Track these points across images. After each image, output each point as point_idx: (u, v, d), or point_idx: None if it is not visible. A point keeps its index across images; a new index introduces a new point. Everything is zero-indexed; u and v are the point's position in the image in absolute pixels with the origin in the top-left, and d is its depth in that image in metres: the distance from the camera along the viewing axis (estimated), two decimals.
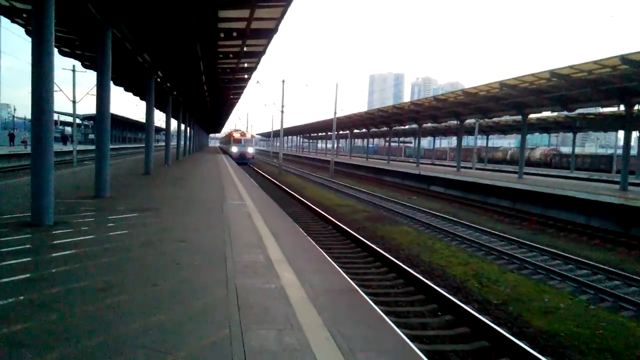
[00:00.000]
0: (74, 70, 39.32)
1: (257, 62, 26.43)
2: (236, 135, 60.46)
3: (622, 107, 25.92)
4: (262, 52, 23.29)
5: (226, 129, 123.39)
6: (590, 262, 13.79)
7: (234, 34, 19.25)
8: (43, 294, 5.58)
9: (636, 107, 25.30)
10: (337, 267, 7.86)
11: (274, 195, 23.13)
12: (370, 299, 6.79)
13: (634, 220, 18.97)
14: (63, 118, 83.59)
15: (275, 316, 5.20)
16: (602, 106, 29.80)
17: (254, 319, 5.07)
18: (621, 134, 34.46)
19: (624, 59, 18.19)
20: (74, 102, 40.13)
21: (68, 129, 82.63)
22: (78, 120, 49.97)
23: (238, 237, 9.43)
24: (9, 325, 4.67)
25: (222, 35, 19.32)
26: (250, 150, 60.32)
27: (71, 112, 43.80)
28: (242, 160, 55.70)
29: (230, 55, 23.87)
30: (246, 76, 32.00)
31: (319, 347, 4.45)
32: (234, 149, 59.08)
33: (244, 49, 22.09)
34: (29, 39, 10.84)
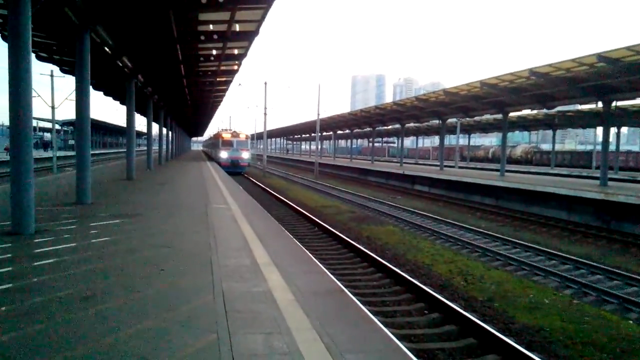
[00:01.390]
0: (52, 76, 38.73)
1: (239, 65, 26.31)
2: (226, 136, 47.61)
3: (600, 104, 26.34)
4: (244, 55, 23.20)
5: (209, 131, 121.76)
6: (573, 257, 13.99)
7: (215, 36, 19.14)
8: (25, 304, 5.47)
9: (613, 104, 25.76)
10: (323, 268, 7.85)
11: (258, 198, 23.03)
12: (357, 299, 6.78)
13: (614, 215, 19.30)
14: (42, 124, 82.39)
15: (263, 320, 5.17)
16: (581, 103, 30.34)
17: (241, 323, 5.03)
18: (600, 130, 35.04)
19: (600, 57, 18.51)
20: (52, 107, 39.52)
21: (47, 135, 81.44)
22: (57, 126, 49.27)
23: (223, 241, 9.37)
24: None
25: (202, 38, 19.21)
26: (246, 155, 47.65)
27: (50, 117, 43.16)
28: (234, 170, 43.72)
29: (212, 58, 23.74)
30: (228, 79, 31.87)
31: (308, 350, 4.43)
32: (223, 155, 46.37)
33: (225, 51, 21.98)
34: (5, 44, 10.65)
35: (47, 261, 7.44)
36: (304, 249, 9.38)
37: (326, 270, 7.73)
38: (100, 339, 4.55)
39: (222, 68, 26.74)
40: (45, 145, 68.74)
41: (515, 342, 7.27)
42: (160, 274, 6.85)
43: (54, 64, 24.87)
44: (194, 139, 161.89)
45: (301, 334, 4.79)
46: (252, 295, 5.97)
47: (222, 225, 11.13)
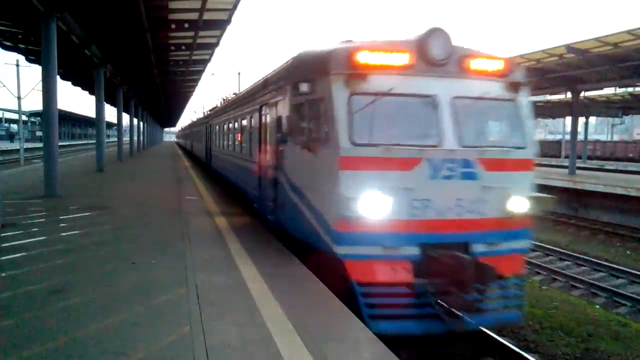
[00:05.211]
0: (17, 65, 37.64)
1: (211, 54, 26.04)
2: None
3: (569, 95, 26.89)
4: (216, 44, 22.95)
5: (182, 122, 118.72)
6: (542, 245, 14.33)
7: (186, 25, 18.88)
8: None
9: (582, 95, 26.34)
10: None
11: (234, 191, 22.83)
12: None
13: (581, 203, 19.81)
14: (8, 115, 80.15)
15: (237, 310, 5.14)
16: (551, 94, 30.92)
17: (214, 315, 5.00)
18: (569, 120, 35.84)
19: (569, 47, 18.86)
20: (19, 98, 38.47)
21: (14, 127, 79.26)
22: (24, 117, 47.98)
23: (196, 232, 9.28)
24: None
25: (173, 26, 18.92)
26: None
27: (17, 108, 42.03)
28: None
29: (183, 47, 23.41)
30: (200, 68, 31.48)
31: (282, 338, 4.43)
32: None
33: (196, 40, 21.72)
34: None
35: (15, 255, 7.28)
36: (275, 239, 9.25)
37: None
38: (70, 333, 4.47)
39: (194, 57, 26.41)
40: (12, 136, 66.90)
41: (487, 329, 7.41)
42: (131, 267, 6.76)
43: (19, 53, 24.19)
44: (167, 129, 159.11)
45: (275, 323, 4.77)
46: (226, 287, 5.94)
47: (195, 217, 11.00)
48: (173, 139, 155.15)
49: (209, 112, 28.56)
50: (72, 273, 6.42)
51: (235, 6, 16.95)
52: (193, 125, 46.51)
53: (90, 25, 17.94)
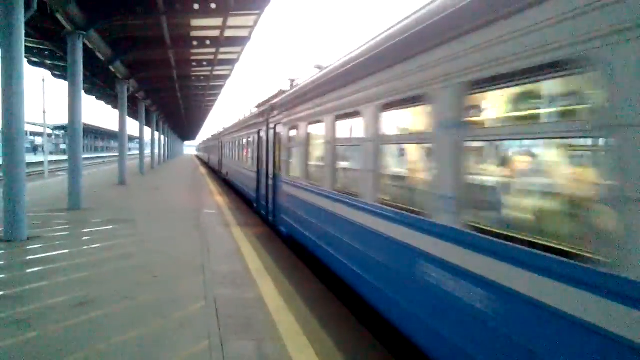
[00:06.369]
0: (43, 81, 38.58)
1: (231, 70, 26.50)
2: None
3: None
4: (236, 60, 23.40)
5: (202, 136, 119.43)
6: None
7: (207, 42, 19.31)
8: (20, 312, 5.52)
9: None
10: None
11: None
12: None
13: None
14: (32, 128, 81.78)
15: (255, 325, 5.23)
16: None
17: (233, 329, 5.10)
18: None
19: None
20: (44, 112, 39.37)
21: (38, 139, 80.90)
22: (49, 130, 49.03)
23: (215, 246, 9.43)
24: None
25: (195, 43, 19.36)
26: None
27: (41, 122, 42.97)
28: None
29: (204, 63, 23.89)
30: (220, 83, 32.01)
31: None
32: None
33: (217, 57, 22.16)
34: None
35: (40, 268, 7.48)
36: (295, 257, 9.37)
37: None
38: (94, 346, 4.61)
39: (215, 73, 26.92)
40: (35, 149, 68.27)
41: None
42: (152, 280, 6.91)
43: (46, 68, 24.86)
44: (187, 143, 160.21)
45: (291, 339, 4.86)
46: (244, 302, 6.04)
47: (215, 231, 11.16)
48: (193, 152, 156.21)
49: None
50: (95, 286, 6.59)
51: (255, 23, 17.31)
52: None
53: (114, 43, 18.42)
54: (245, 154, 17.29)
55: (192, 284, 6.74)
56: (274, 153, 11.38)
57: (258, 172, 13.83)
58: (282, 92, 12.44)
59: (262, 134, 13.26)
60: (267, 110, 12.57)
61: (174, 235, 10.51)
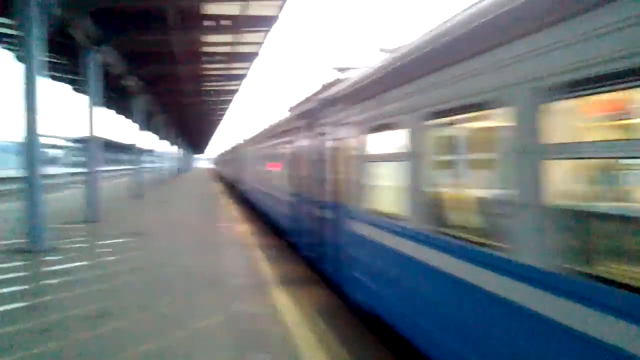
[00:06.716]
0: (62, 95, 39.36)
1: (239, 85, 27.16)
2: None
3: None
4: (244, 75, 23.96)
5: (212, 148, 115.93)
6: None
7: (218, 57, 19.79)
8: (40, 322, 5.63)
9: None
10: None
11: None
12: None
13: None
14: (49, 140, 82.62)
15: (271, 339, 5.28)
16: None
17: (248, 343, 5.15)
18: None
19: None
20: (62, 126, 40.04)
21: (53, 152, 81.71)
22: (68, 143, 49.75)
23: (230, 260, 9.49)
24: (10, 354, 4.73)
25: (205, 59, 19.84)
26: None
27: (59, 134, 43.70)
28: None
29: (213, 78, 24.45)
30: (229, 98, 32.65)
31: None
32: None
33: (227, 71, 22.75)
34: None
35: (60, 279, 7.62)
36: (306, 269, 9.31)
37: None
38: (114, 357, 4.70)
39: (224, 88, 27.55)
40: (51, 161, 68.95)
41: None
42: (170, 292, 6.99)
43: (67, 83, 25.40)
44: (196, 156, 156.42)
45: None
46: (260, 316, 6.06)
47: (230, 244, 11.19)
48: (203, 165, 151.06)
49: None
50: (112, 298, 6.69)
51: (264, 39, 17.65)
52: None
53: (128, 58, 18.84)
54: (275, 170, 13.39)
55: (208, 297, 6.78)
56: (333, 170, 7.43)
57: (300, 197, 9.80)
58: (338, 81, 7.99)
59: (305, 142, 9.35)
60: (315, 110, 8.35)
61: (188, 248, 10.55)
